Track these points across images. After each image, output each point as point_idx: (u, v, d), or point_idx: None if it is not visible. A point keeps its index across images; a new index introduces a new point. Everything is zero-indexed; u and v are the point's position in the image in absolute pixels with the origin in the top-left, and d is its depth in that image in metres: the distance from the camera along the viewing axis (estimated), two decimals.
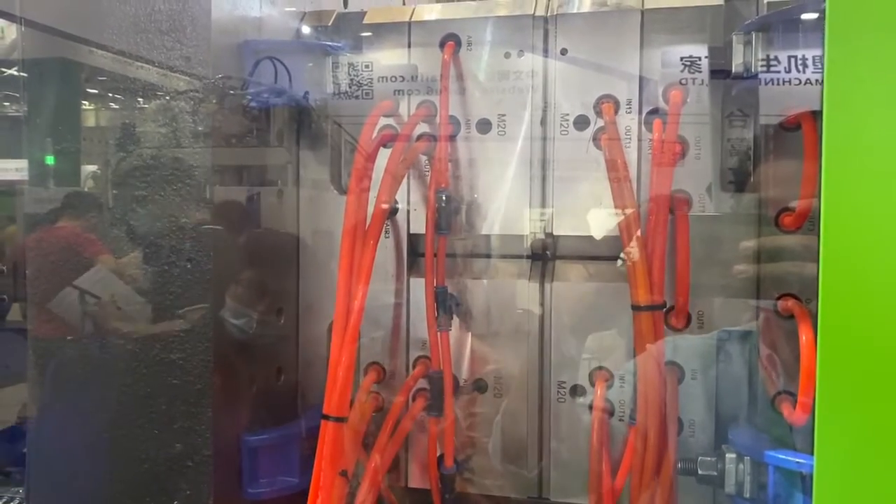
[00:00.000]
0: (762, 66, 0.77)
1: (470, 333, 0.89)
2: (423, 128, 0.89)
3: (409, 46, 0.90)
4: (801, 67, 0.76)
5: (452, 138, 0.88)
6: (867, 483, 0.44)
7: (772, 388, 0.79)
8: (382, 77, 0.91)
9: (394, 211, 0.90)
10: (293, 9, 0.96)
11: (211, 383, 0.79)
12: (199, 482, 0.79)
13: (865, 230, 0.44)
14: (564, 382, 0.86)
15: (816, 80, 0.75)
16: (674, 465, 0.80)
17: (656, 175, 0.80)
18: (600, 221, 0.84)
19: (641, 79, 0.83)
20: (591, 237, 0.85)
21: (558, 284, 0.87)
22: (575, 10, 0.86)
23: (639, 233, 0.79)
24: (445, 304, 0.86)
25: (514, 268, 0.89)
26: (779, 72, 0.77)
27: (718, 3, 0.82)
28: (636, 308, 0.79)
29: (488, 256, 0.90)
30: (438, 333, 0.86)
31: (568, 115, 0.85)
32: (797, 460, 0.72)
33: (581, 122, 0.85)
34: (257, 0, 0.89)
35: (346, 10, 0.98)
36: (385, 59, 0.91)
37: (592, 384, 0.85)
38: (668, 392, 0.81)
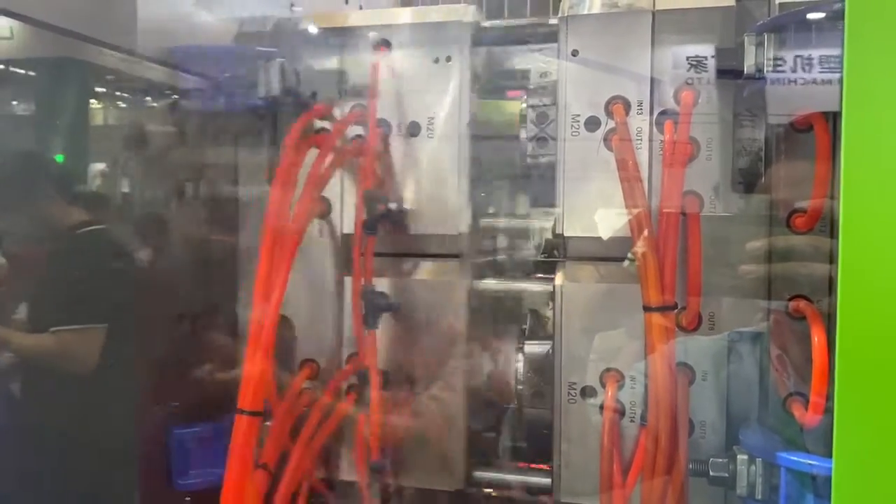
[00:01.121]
0: (773, 66, 0.76)
1: (402, 331, 0.90)
2: (357, 130, 0.90)
3: (342, 51, 0.91)
4: (808, 68, 0.76)
5: (383, 140, 0.89)
6: (886, 485, 0.44)
7: (783, 389, 0.79)
8: (313, 80, 0.92)
9: (326, 212, 0.92)
10: (227, 16, 0.98)
11: (137, 379, 0.80)
12: (126, 473, 0.80)
13: (885, 231, 0.44)
14: (575, 383, 0.86)
15: (829, 81, 0.75)
16: (685, 466, 0.80)
17: (667, 176, 0.80)
18: (611, 222, 0.84)
19: (652, 80, 0.83)
20: (601, 238, 0.85)
21: (569, 285, 0.87)
22: (586, 12, 0.86)
23: (647, 233, 0.79)
24: (373, 303, 0.87)
25: (445, 267, 0.90)
26: (784, 72, 0.76)
27: (730, 4, 0.82)
28: (648, 309, 0.79)
29: (418, 256, 0.91)
30: (366, 331, 0.87)
31: (579, 115, 0.85)
32: (809, 462, 0.72)
33: (592, 124, 0.85)
34: (190, 5, 0.90)
35: (285, 17, 1.00)
36: (318, 63, 0.92)
37: (603, 385, 0.85)
38: (679, 393, 0.81)
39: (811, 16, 0.76)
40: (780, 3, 0.79)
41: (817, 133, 0.76)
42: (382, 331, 0.88)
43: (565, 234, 0.87)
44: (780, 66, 0.76)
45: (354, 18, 0.93)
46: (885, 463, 0.44)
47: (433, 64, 0.88)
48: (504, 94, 0.97)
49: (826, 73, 0.75)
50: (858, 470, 0.44)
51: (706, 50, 0.82)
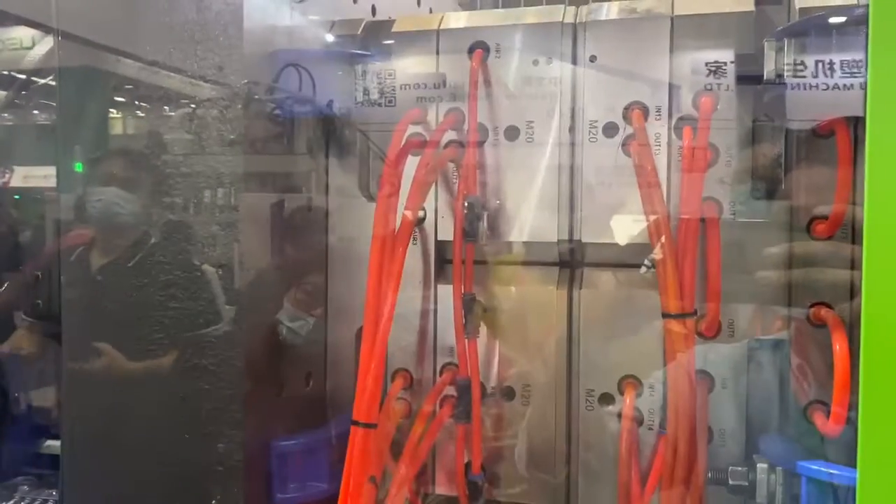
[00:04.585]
0: (794, 71, 0.76)
1: (497, 340, 0.89)
2: (451, 135, 0.89)
3: (438, 54, 0.90)
4: (829, 73, 0.75)
5: (480, 145, 0.88)
6: None
7: (803, 397, 0.78)
8: (405, 85, 0.91)
9: (421, 218, 0.90)
10: (318, 17, 0.97)
11: (242, 388, 0.79)
12: (231, 487, 0.80)
13: None
14: (593, 391, 0.86)
15: (851, 86, 0.74)
16: (704, 474, 0.79)
17: (686, 182, 0.80)
18: (629, 228, 0.84)
19: (671, 85, 0.83)
20: (619, 244, 0.85)
21: (587, 292, 0.86)
22: (604, 17, 0.86)
23: (665, 239, 0.79)
24: (472, 311, 0.86)
25: (542, 275, 0.89)
26: (805, 77, 0.76)
27: (749, 10, 0.82)
28: (667, 316, 0.78)
29: (518, 264, 0.89)
30: (466, 340, 0.86)
31: (596, 121, 0.85)
32: (831, 471, 0.71)
33: (610, 129, 0.85)
34: (287, 10, 0.90)
35: (375, 19, 0.98)
36: (413, 66, 0.92)
37: (621, 392, 0.85)
38: (698, 401, 0.80)
39: (833, 20, 0.75)
40: (801, 9, 0.79)
41: (839, 138, 0.75)
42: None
43: (583, 241, 0.86)
44: (800, 71, 0.76)
45: (449, 21, 0.91)
46: None
47: (532, 66, 0.87)
48: None
49: (847, 77, 0.74)
50: (884, 480, 0.44)
51: (725, 55, 0.81)
